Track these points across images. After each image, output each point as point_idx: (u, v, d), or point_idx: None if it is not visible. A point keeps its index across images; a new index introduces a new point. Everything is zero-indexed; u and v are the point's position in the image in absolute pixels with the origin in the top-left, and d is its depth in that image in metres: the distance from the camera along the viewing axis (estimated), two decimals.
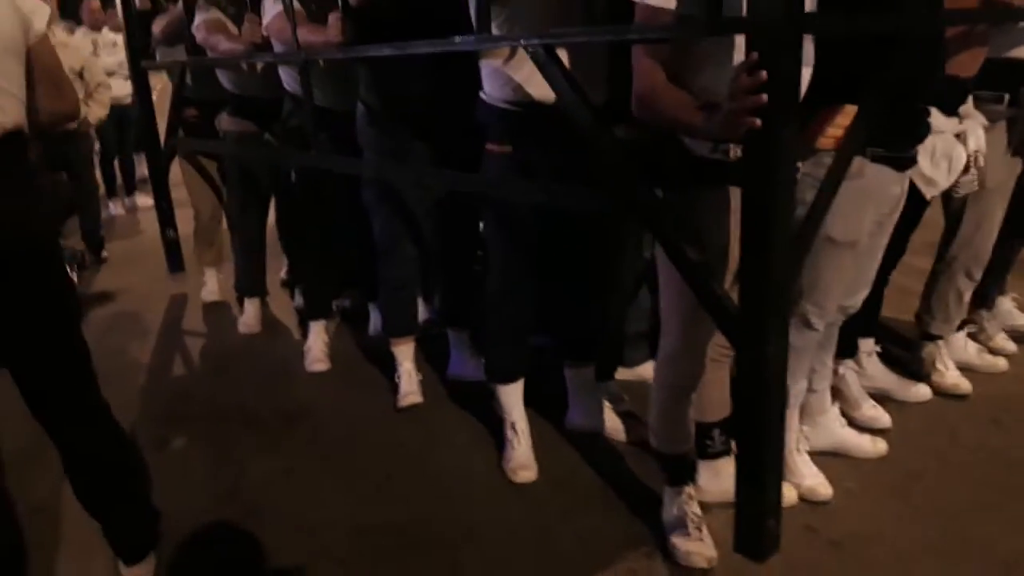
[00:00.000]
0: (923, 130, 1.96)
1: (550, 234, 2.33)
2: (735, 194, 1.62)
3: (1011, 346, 3.01)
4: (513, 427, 2.46)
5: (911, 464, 2.36)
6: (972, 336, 2.97)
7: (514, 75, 2.09)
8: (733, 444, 2.10)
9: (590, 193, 1.95)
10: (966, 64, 2.14)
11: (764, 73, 1.31)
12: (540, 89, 2.00)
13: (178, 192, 4.22)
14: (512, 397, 2.48)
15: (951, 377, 2.75)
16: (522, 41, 1.82)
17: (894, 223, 2.08)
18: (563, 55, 1.82)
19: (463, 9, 2.07)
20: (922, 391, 2.70)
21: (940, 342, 2.78)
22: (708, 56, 1.60)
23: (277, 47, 2.91)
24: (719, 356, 1.97)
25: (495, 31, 2.00)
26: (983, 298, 2.99)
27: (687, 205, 1.71)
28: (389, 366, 2.98)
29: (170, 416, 2.97)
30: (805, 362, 2.14)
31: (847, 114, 1.79)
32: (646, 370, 2.79)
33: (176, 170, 4.05)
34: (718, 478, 2.11)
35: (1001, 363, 2.92)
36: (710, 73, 1.60)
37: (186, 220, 4.20)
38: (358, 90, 2.67)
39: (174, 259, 4.32)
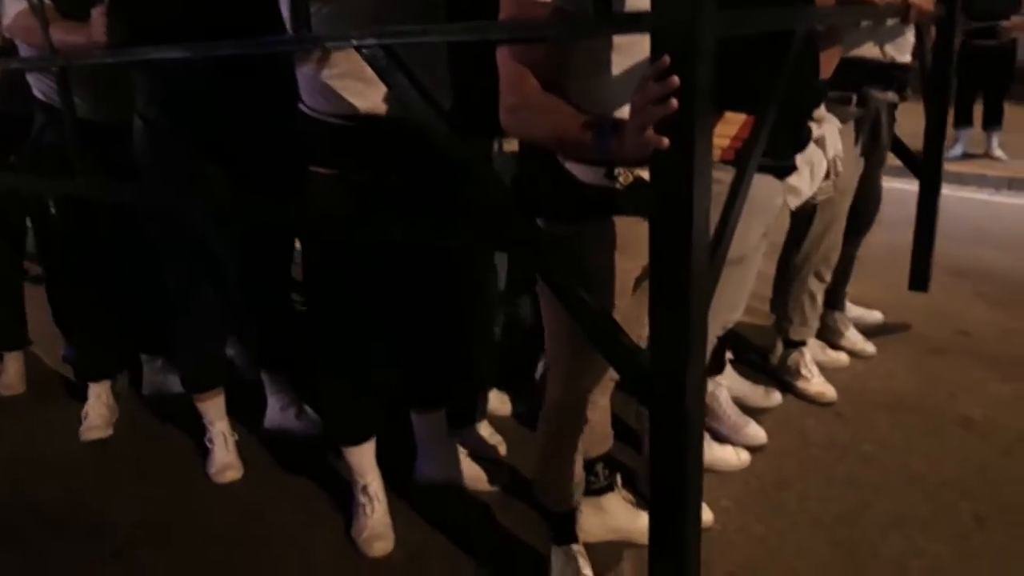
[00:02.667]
0: (805, 136, 1.82)
1: (388, 266, 1.97)
2: (615, 224, 1.43)
3: (870, 348, 3.02)
4: (365, 490, 2.10)
5: (775, 473, 2.30)
6: (820, 335, 2.95)
7: (340, 83, 1.71)
8: (618, 478, 2.01)
9: (450, 226, 1.62)
10: (824, 65, 2.03)
11: (676, 78, 1.05)
12: (373, 99, 1.68)
13: None
14: (365, 458, 2.11)
15: (816, 384, 2.71)
16: (355, 41, 1.45)
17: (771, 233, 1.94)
18: None
19: (267, 3, 1.68)
20: (775, 397, 2.65)
21: (803, 348, 2.72)
22: (592, 59, 1.33)
23: (24, 50, 2.38)
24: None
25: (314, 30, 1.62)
26: (834, 299, 2.98)
27: (574, 239, 1.44)
28: (194, 425, 2.49)
29: None
30: None
31: (729, 122, 1.60)
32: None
33: None
34: (602, 515, 1.96)
35: (843, 358, 2.94)
36: (596, 80, 1.33)
37: None
38: (132, 99, 2.16)
39: None
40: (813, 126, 2.07)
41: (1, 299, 3.08)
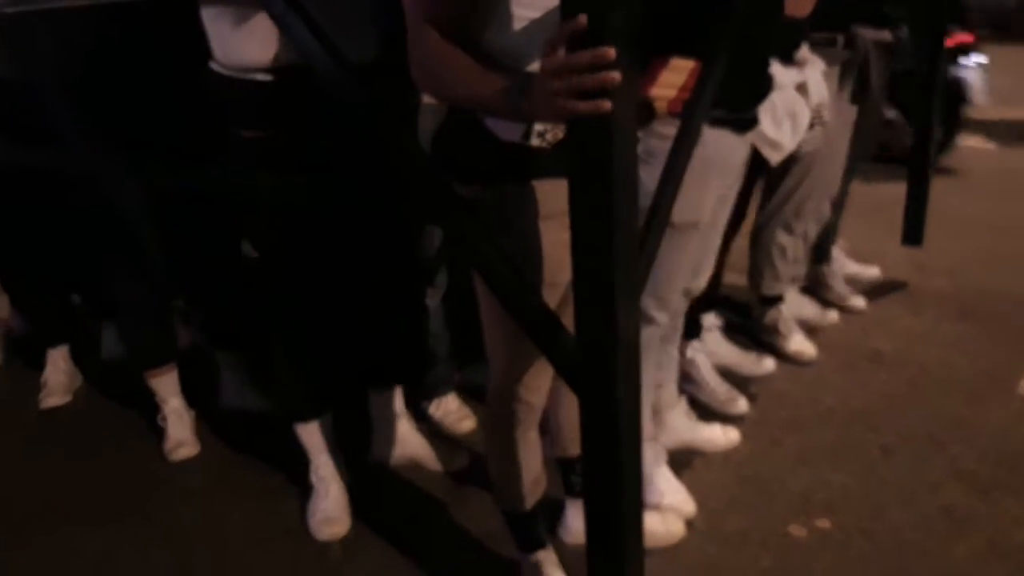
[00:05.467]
0: (766, 85, 1.63)
1: (333, 236, 1.83)
2: (542, 189, 1.27)
3: (860, 302, 2.87)
4: (317, 471, 1.99)
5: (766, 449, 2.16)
6: (807, 291, 2.82)
7: (249, 33, 1.54)
8: None
9: (369, 189, 1.47)
10: (800, 2, 1.83)
11: (604, 51, 0.91)
12: (290, 49, 1.50)
13: None
14: (314, 436, 1.99)
15: (795, 343, 2.57)
16: None
17: (736, 194, 1.77)
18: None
19: None
20: (767, 364, 2.49)
21: (780, 305, 2.57)
22: (502, 4, 1.16)
23: None
24: None
25: None
26: (820, 252, 2.81)
27: (495, 205, 1.28)
28: (144, 404, 2.37)
29: None
30: (650, 362, 1.80)
31: (677, 70, 1.43)
32: None
33: None
34: None
35: (832, 316, 2.80)
36: (502, 31, 1.17)
37: None
38: (49, 56, 1.98)
39: None
40: (794, 71, 1.89)
41: None
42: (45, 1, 1.74)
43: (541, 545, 1.68)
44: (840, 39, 2.21)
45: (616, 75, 0.91)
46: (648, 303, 1.69)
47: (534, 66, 1.17)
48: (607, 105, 0.93)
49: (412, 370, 2.22)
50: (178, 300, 2.56)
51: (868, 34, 2.30)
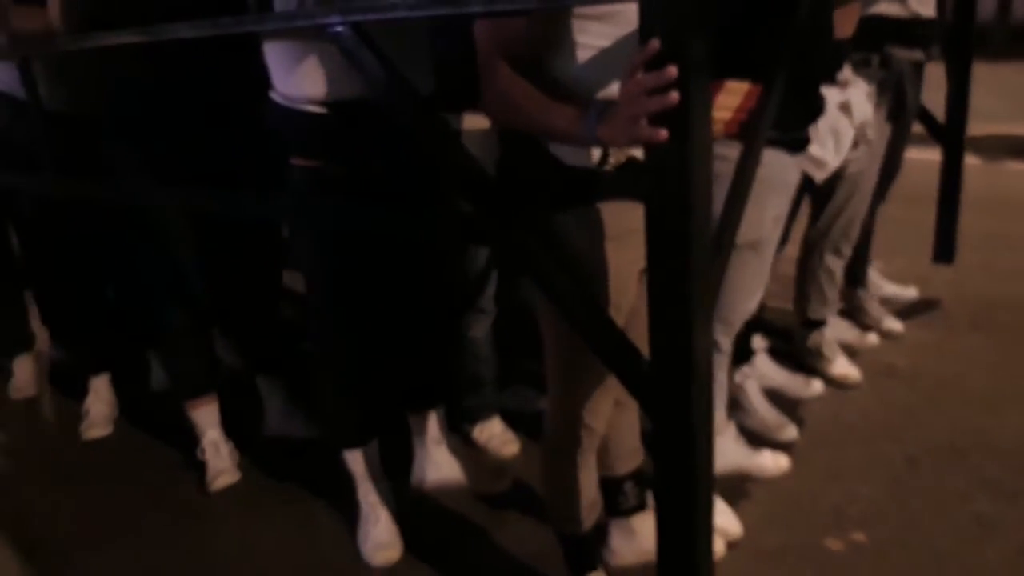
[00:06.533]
0: (817, 106, 1.66)
1: (378, 261, 1.85)
2: (604, 211, 1.30)
3: (896, 326, 2.86)
4: (367, 496, 1.98)
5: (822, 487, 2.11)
6: (846, 314, 2.81)
7: (311, 67, 1.58)
8: (649, 497, 1.78)
9: (434, 216, 1.49)
10: (842, 24, 1.86)
11: (673, 69, 0.93)
12: (349, 83, 1.53)
13: None
14: (364, 463, 1.99)
15: (839, 366, 2.55)
16: (319, 20, 1.32)
17: (787, 213, 1.79)
18: None
19: None
20: (815, 386, 2.48)
21: (824, 329, 2.57)
22: (573, 34, 1.20)
23: None
24: (625, 398, 1.59)
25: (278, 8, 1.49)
26: (856, 275, 2.82)
27: (561, 228, 1.30)
28: (186, 433, 2.37)
29: None
30: None
31: (731, 92, 1.45)
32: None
33: None
34: (633, 538, 1.78)
35: (874, 339, 2.78)
36: (578, 57, 1.20)
37: None
38: (100, 91, 2.03)
39: None
40: (836, 91, 1.92)
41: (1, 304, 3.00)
42: (102, 38, 1.78)
43: (594, 567, 1.69)
44: (875, 59, 2.24)
45: (675, 96, 0.94)
46: (716, 328, 1.70)
47: (602, 93, 1.21)
48: (663, 134, 0.96)
49: (448, 393, 2.22)
50: (216, 328, 2.58)
51: (902, 54, 2.33)
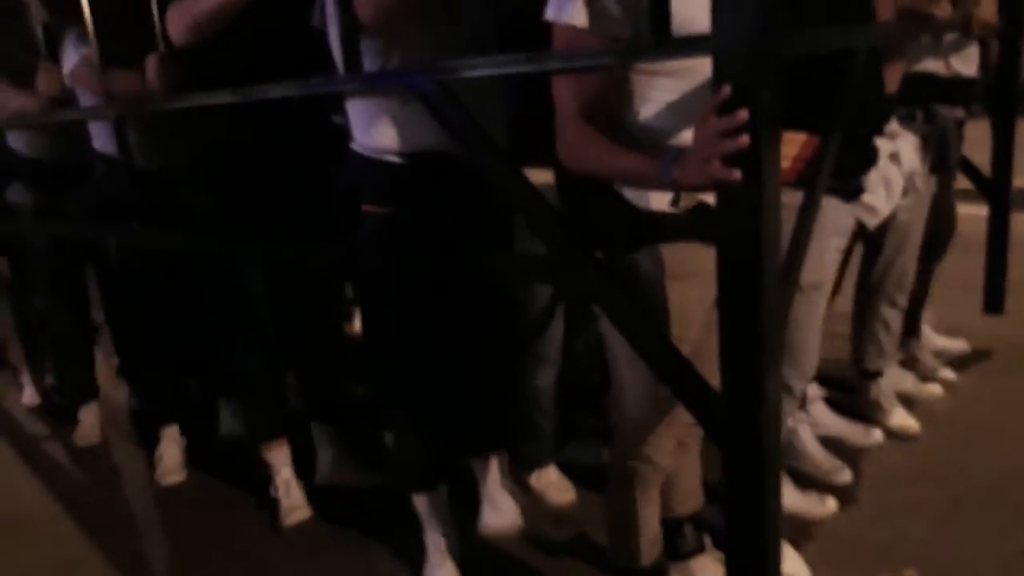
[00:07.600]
0: (871, 156, 1.74)
1: (448, 307, 1.93)
2: (670, 251, 1.38)
3: (950, 375, 2.88)
4: (433, 543, 2.02)
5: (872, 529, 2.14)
6: (904, 365, 2.82)
7: (392, 119, 1.70)
8: (708, 540, 1.81)
9: (514, 261, 1.58)
10: (889, 79, 1.96)
11: (745, 112, 1.01)
12: (427, 135, 1.65)
13: None
14: (429, 507, 2.03)
15: (898, 417, 2.57)
16: (406, 79, 1.43)
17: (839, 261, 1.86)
18: None
19: (314, 44, 1.69)
20: (876, 435, 2.50)
21: (881, 380, 2.59)
22: (649, 86, 1.29)
23: (84, 99, 2.42)
24: (687, 438, 1.65)
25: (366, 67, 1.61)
26: (911, 327, 2.85)
27: (633, 268, 1.39)
28: (254, 472, 2.47)
29: None
30: None
31: (789, 142, 1.54)
32: None
33: None
34: None
35: (936, 390, 2.78)
36: (652, 108, 1.29)
37: None
38: (190, 149, 2.19)
39: None
40: (885, 141, 2.00)
41: (71, 354, 3.16)
42: (196, 97, 1.91)
43: None
44: (920, 114, 2.32)
45: (746, 138, 1.01)
46: (788, 372, 1.75)
47: (671, 142, 1.30)
48: (736, 174, 1.04)
49: (508, 439, 2.26)
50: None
51: (944, 111, 2.41)
